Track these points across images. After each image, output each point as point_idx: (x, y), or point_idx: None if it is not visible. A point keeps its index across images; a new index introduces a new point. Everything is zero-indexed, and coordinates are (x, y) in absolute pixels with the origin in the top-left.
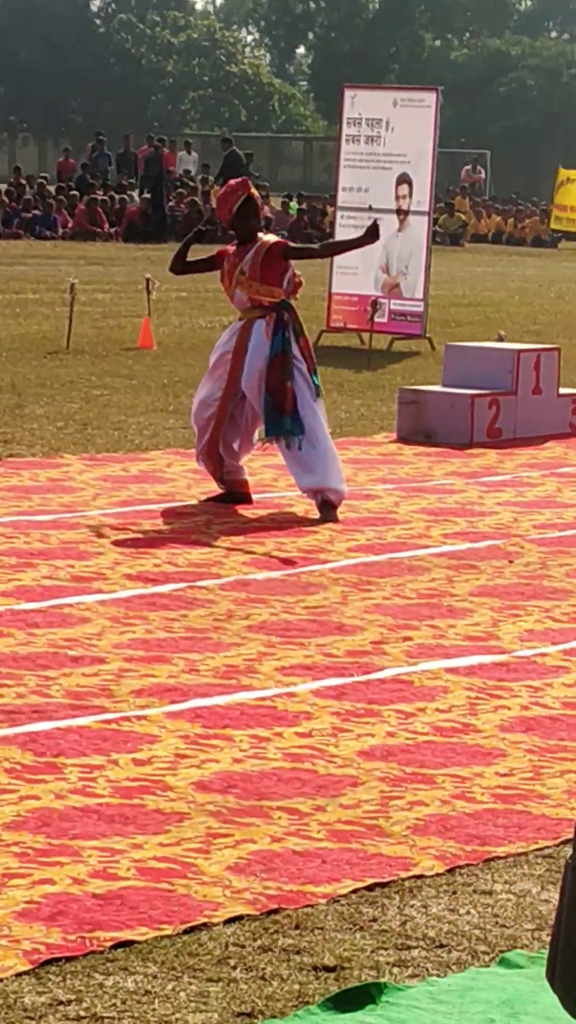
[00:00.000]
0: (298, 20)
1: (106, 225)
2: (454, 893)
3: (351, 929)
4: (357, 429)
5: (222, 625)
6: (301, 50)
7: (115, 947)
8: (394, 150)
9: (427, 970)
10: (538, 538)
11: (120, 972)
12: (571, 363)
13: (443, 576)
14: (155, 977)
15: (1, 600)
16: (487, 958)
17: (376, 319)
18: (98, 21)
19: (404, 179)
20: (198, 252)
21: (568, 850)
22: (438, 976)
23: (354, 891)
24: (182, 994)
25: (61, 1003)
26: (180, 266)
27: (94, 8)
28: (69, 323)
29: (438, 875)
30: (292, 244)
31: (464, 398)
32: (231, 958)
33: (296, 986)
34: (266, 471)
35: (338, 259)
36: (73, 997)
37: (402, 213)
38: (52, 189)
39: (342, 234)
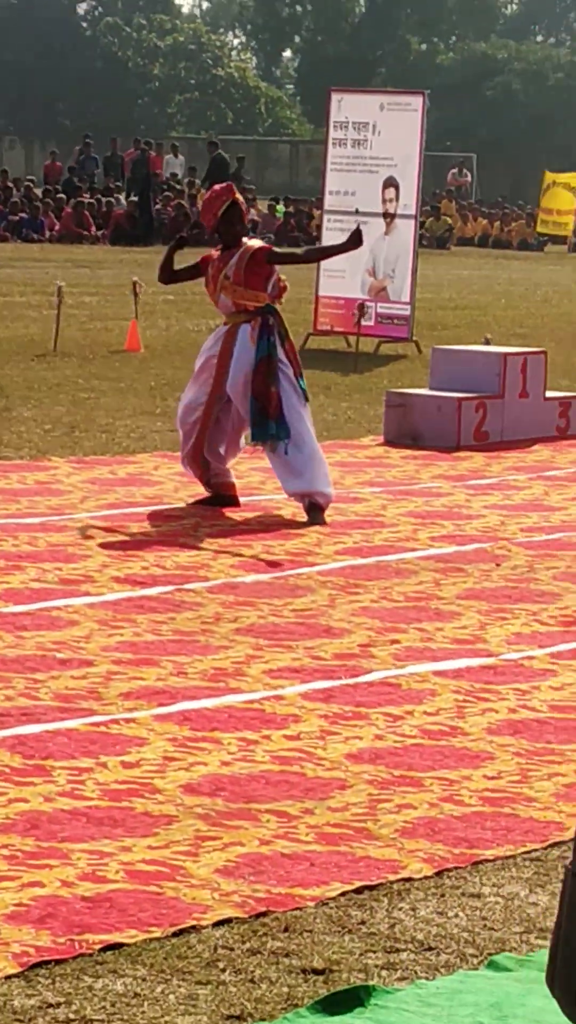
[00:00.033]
0: (284, 24)
1: (93, 228)
2: (442, 896)
3: (339, 932)
4: (344, 432)
5: (210, 628)
6: (287, 53)
7: (104, 950)
8: (381, 153)
9: (415, 973)
10: (525, 541)
11: (109, 975)
12: (557, 366)
13: (430, 579)
14: (144, 980)
15: None
16: (475, 961)
17: (363, 322)
18: (85, 24)
19: (391, 182)
20: (186, 256)
21: (556, 852)
22: (427, 979)
23: (342, 894)
24: (171, 997)
25: (50, 1006)
26: (167, 276)
27: (81, 11)
28: (56, 326)
29: (426, 878)
30: (276, 249)
31: (451, 401)
32: (220, 961)
33: (285, 989)
34: (253, 474)
35: (325, 262)
36: (62, 1000)
37: (389, 216)
38: (39, 192)
39: (329, 237)
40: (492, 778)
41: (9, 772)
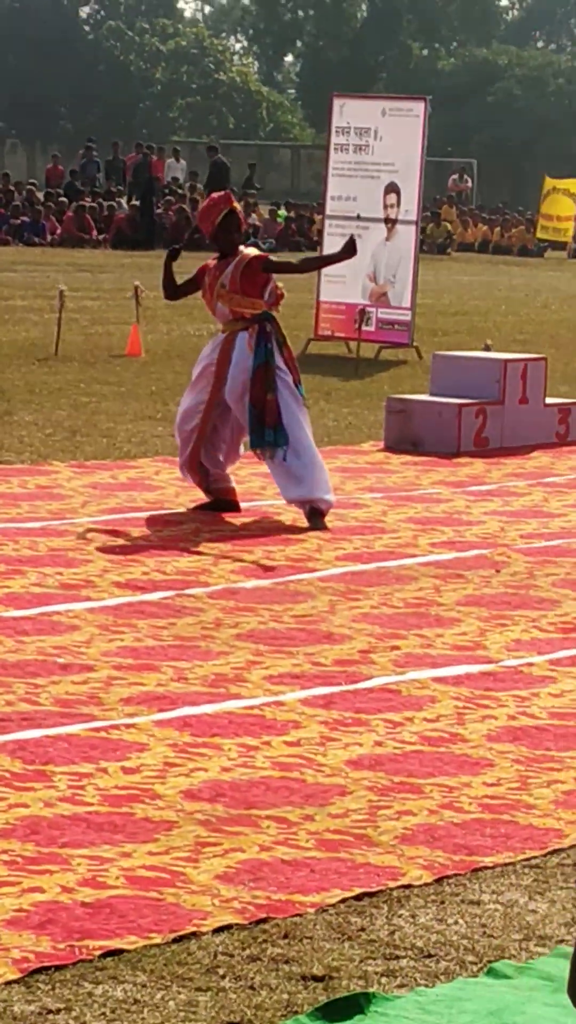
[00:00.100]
0: (286, 28)
1: (94, 232)
2: (442, 903)
3: (339, 939)
4: (345, 438)
5: (210, 633)
6: (289, 58)
7: (104, 956)
8: (382, 159)
9: (415, 980)
10: (525, 548)
11: (109, 981)
12: (558, 373)
13: (430, 585)
14: (144, 986)
15: None
16: (475, 968)
17: (364, 328)
18: (87, 28)
19: (392, 188)
20: (186, 262)
21: (555, 860)
22: (426, 986)
23: (342, 901)
24: (171, 1003)
25: (51, 1012)
26: (171, 292)
27: (83, 15)
28: (58, 330)
29: (426, 885)
30: (272, 258)
31: (451, 407)
32: (220, 967)
33: (285, 996)
34: (254, 479)
35: (326, 268)
36: (62, 1006)
37: (390, 222)
38: (41, 196)
39: (330, 243)
40: (492, 785)
41: (9, 777)
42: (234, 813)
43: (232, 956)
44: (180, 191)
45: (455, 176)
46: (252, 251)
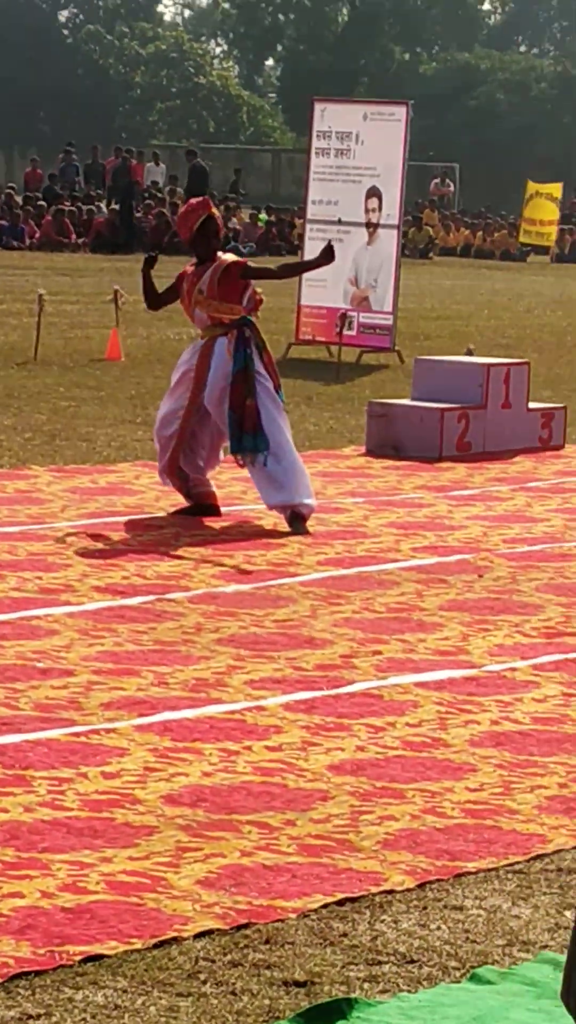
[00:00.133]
0: (267, 32)
1: (73, 236)
2: (424, 908)
3: (321, 944)
4: (326, 442)
5: (191, 638)
6: (270, 62)
7: (85, 961)
8: (364, 163)
9: (398, 985)
10: (507, 552)
11: (90, 986)
12: (540, 377)
13: (412, 590)
14: (125, 991)
15: None
16: (458, 974)
17: (345, 332)
18: (66, 32)
19: (374, 192)
20: (166, 266)
21: (539, 865)
22: (409, 992)
23: (324, 906)
24: (152, 1009)
25: (31, 1017)
26: (153, 301)
27: (62, 19)
28: (37, 334)
29: (408, 890)
30: (250, 264)
31: (433, 412)
32: (201, 972)
33: (266, 1001)
34: (234, 484)
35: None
36: (43, 1011)
37: (371, 226)
38: (20, 199)
39: (311, 247)
40: (474, 790)
41: None
42: (215, 818)
43: (213, 961)
44: (160, 195)
45: (437, 180)
46: (230, 257)
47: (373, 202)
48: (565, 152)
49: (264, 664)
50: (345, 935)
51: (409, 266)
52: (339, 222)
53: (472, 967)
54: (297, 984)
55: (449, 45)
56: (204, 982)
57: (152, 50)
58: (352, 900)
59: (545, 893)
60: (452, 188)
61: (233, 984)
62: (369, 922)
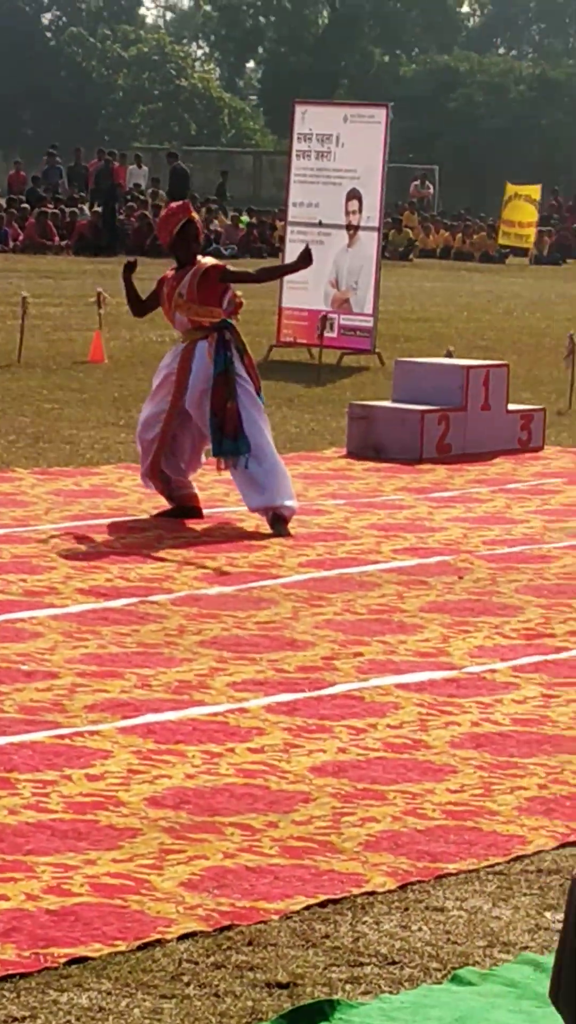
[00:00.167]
0: (248, 35)
1: (56, 238)
2: (406, 910)
3: (304, 946)
4: (307, 444)
5: (174, 640)
6: (251, 64)
7: (69, 963)
8: (344, 165)
9: (380, 987)
10: (487, 554)
11: (74, 988)
12: (520, 379)
13: (393, 592)
14: (109, 994)
15: None
16: (439, 975)
17: (326, 334)
18: (49, 34)
19: (354, 194)
20: (149, 269)
21: (519, 866)
22: (390, 993)
23: (307, 907)
24: (136, 1011)
25: (15, 1019)
26: (138, 309)
27: (45, 21)
28: (20, 336)
29: (390, 892)
30: (230, 268)
31: (414, 414)
32: (184, 974)
33: (249, 1003)
34: (217, 486)
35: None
36: (27, 1014)
37: (352, 228)
38: (3, 202)
39: (292, 249)
40: (455, 791)
41: None
42: (198, 820)
43: (197, 963)
44: (142, 197)
45: (417, 182)
46: (209, 260)
47: (353, 204)
48: (544, 154)
49: (246, 666)
50: (327, 937)
51: (389, 268)
52: (320, 224)
53: (453, 968)
54: (280, 986)
55: (428, 47)
56: (188, 984)
57: (134, 52)
58: (334, 902)
59: (525, 894)
60: (432, 190)
61: (216, 986)
62: (351, 924)
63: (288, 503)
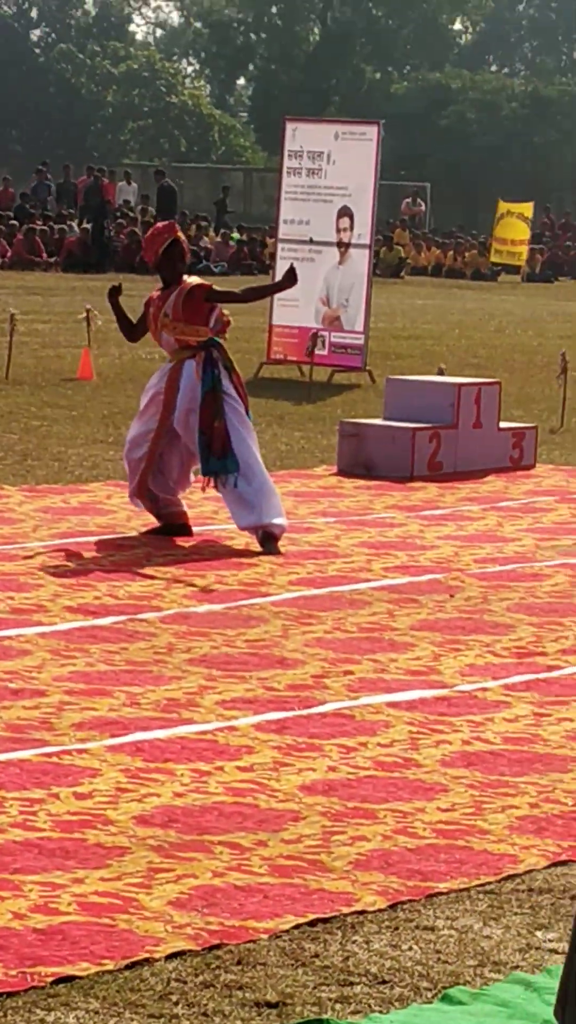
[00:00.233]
0: (239, 51)
1: (44, 255)
2: (396, 929)
3: (293, 965)
4: (297, 462)
5: (163, 658)
6: (241, 81)
7: (56, 982)
8: (335, 183)
9: (369, 1006)
10: (479, 572)
11: (62, 1008)
12: (512, 397)
13: (384, 610)
14: (97, 1013)
15: None
16: (429, 994)
17: (316, 352)
18: (38, 51)
19: (345, 212)
20: (138, 286)
21: (510, 885)
22: (380, 1012)
23: (296, 927)
24: None
25: None
26: (130, 333)
27: (34, 38)
28: (8, 353)
29: (380, 911)
30: (215, 288)
31: (405, 431)
32: (173, 994)
33: (238, 1022)
34: (206, 504)
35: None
36: None
37: (343, 246)
38: None
39: (283, 267)
40: (446, 810)
41: None
42: (187, 839)
43: (185, 983)
44: (131, 214)
45: (408, 200)
46: (195, 280)
47: (345, 222)
48: (536, 171)
49: (236, 684)
50: (317, 956)
51: (380, 286)
52: (311, 241)
53: (444, 988)
54: (269, 1005)
55: (420, 65)
56: (176, 1003)
57: (124, 69)
58: (324, 921)
59: (516, 913)
60: (423, 207)
61: (205, 1005)
62: (341, 943)
63: (278, 521)
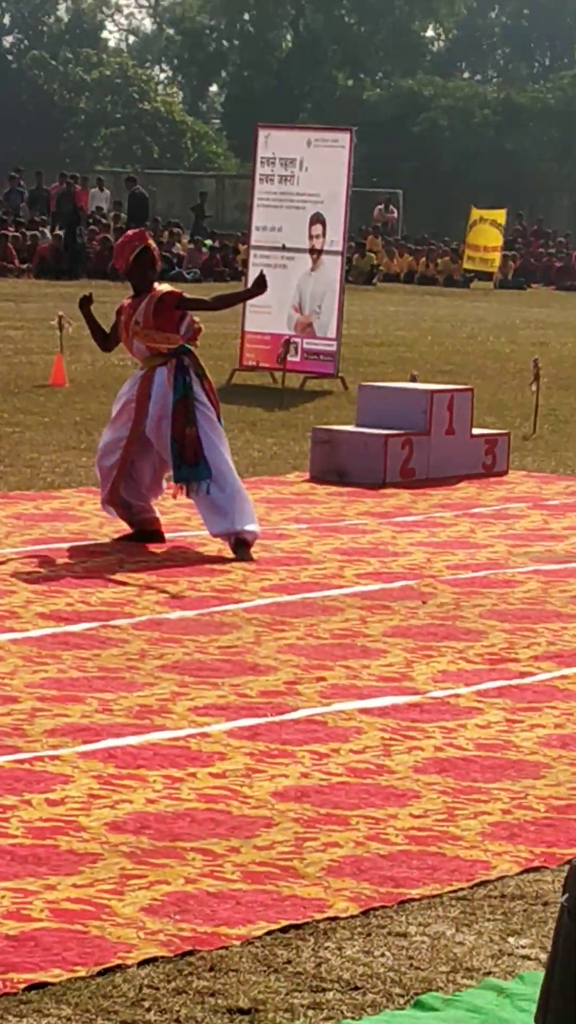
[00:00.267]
0: (211, 58)
1: (17, 261)
2: (368, 935)
3: (265, 971)
4: (270, 468)
5: (135, 664)
6: (214, 88)
7: (29, 989)
8: (308, 189)
9: (342, 1012)
10: (451, 579)
11: (34, 1014)
12: (484, 403)
13: (356, 616)
14: (69, 1019)
15: None
16: (402, 1000)
17: (289, 358)
18: (11, 57)
19: (318, 219)
20: (114, 290)
21: (482, 891)
22: (353, 1019)
23: (268, 933)
24: None
25: None
26: (104, 343)
27: (7, 44)
28: None
29: (352, 917)
30: (185, 295)
31: (377, 438)
32: (145, 1000)
33: None
34: (178, 510)
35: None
36: None
37: (315, 252)
38: None
39: (255, 273)
40: (418, 817)
41: None
42: (159, 845)
43: (157, 989)
44: (104, 221)
45: (381, 206)
46: (165, 287)
47: (317, 228)
48: (508, 178)
49: (208, 691)
50: (289, 962)
51: (353, 292)
52: (283, 248)
53: (416, 994)
54: (241, 1011)
55: (393, 72)
56: (148, 1010)
57: (97, 76)
58: (296, 927)
59: (488, 919)
60: (396, 214)
61: (177, 1012)
62: (313, 949)
63: (250, 528)
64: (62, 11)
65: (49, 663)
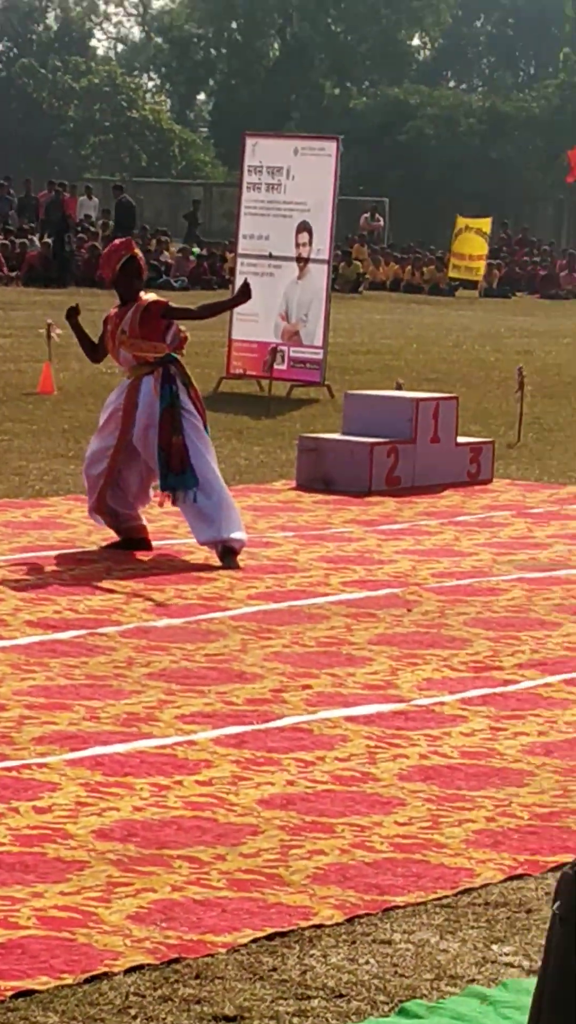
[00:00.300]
0: (199, 67)
1: (5, 269)
2: (353, 943)
3: (251, 979)
4: (256, 476)
5: (122, 672)
6: (202, 96)
7: (16, 996)
8: (295, 198)
9: (327, 1020)
10: (436, 587)
11: (21, 1022)
12: (469, 412)
13: (342, 624)
14: None
15: None
16: (386, 1008)
17: (275, 366)
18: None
19: (304, 227)
20: (102, 298)
21: (467, 899)
22: None
23: (254, 940)
24: None
25: None
26: (93, 354)
27: None
28: None
29: (337, 924)
30: (171, 304)
31: (363, 446)
32: (132, 1007)
33: None
34: (166, 518)
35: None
36: None
37: (302, 261)
38: None
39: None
40: (403, 824)
41: None
42: (146, 853)
43: (144, 996)
44: (92, 229)
45: (367, 215)
46: (151, 296)
47: (304, 237)
48: (494, 187)
49: (195, 698)
50: (275, 969)
51: (339, 301)
52: (270, 256)
53: (400, 1001)
54: (227, 1019)
55: (379, 80)
56: (135, 1017)
57: (85, 84)
58: (281, 935)
59: (472, 927)
60: (382, 223)
61: (163, 1019)
62: (298, 956)
63: (237, 536)
64: (51, 19)
65: (37, 671)
